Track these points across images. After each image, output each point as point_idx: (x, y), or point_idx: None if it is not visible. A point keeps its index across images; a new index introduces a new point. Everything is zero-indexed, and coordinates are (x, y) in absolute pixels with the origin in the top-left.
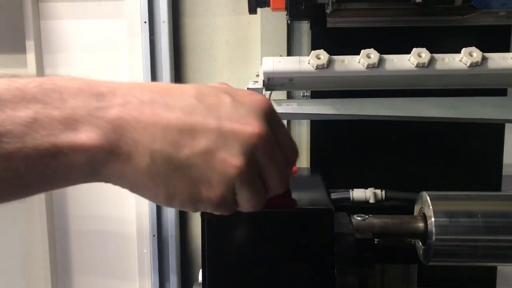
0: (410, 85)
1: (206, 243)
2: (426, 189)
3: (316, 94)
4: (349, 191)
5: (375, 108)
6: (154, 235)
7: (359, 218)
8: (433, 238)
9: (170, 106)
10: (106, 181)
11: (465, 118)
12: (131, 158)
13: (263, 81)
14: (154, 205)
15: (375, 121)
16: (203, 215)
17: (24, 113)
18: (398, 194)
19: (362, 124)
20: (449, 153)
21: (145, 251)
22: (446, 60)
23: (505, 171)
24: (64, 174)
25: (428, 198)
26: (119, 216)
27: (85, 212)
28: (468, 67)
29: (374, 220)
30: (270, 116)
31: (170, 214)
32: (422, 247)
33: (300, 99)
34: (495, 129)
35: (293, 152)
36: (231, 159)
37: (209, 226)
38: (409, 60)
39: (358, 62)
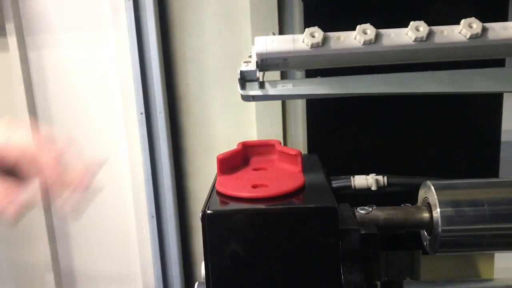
0: (408, 59)
1: (208, 243)
2: (426, 165)
3: (311, 73)
4: (350, 178)
5: (373, 85)
6: (152, 216)
7: (363, 212)
8: (439, 229)
9: None
10: None
11: (464, 91)
12: None
13: (256, 62)
14: (151, 187)
15: (372, 98)
16: (203, 216)
17: None
18: (401, 180)
19: (359, 102)
20: (449, 121)
21: (144, 231)
22: (445, 32)
23: (504, 137)
24: None
25: (432, 188)
26: (116, 200)
27: None
28: (468, 39)
29: (378, 213)
30: None
31: (168, 194)
32: (428, 237)
33: (295, 79)
34: (494, 97)
35: None
36: None
37: (210, 226)
38: (406, 34)
39: (354, 39)
